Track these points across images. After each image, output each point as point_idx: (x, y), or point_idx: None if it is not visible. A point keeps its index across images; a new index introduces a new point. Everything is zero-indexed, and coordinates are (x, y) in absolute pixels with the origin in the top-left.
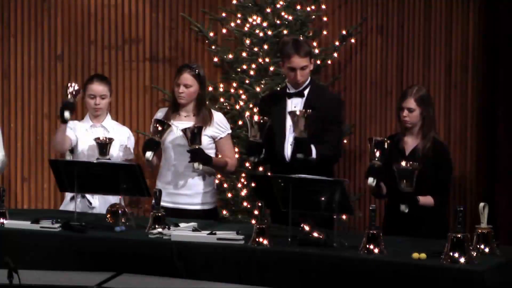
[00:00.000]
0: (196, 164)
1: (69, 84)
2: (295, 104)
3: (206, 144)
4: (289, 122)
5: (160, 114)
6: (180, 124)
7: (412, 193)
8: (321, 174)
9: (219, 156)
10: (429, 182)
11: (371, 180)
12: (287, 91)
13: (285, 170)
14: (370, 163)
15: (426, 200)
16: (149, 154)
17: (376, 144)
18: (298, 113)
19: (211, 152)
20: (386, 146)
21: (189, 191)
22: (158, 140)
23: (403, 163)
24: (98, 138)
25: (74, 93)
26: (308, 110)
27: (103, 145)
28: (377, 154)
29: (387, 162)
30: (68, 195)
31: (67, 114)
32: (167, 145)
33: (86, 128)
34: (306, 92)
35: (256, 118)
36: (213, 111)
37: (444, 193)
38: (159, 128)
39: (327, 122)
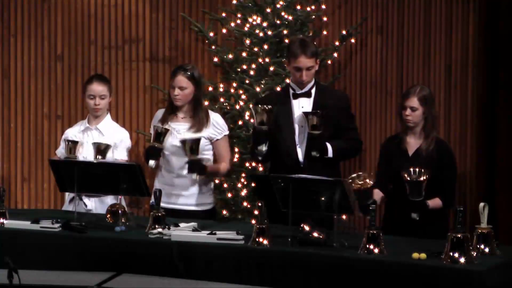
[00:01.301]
0: (194, 176)
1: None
2: (302, 105)
3: (203, 145)
4: (297, 123)
5: (158, 115)
6: (177, 125)
7: (421, 200)
8: (331, 174)
9: (216, 158)
10: (435, 183)
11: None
12: (292, 91)
13: (299, 172)
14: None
15: (435, 203)
16: (152, 163)
17: (310, 116)
18: (313, 112)
19: (208, 153)
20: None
21: (185, 192)
22: (160, 147)
23: (412, 172)
24: (96, 143)
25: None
26: (323, 111)
27: (100, 150)
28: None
29: (388, 163)
30: (68, 198)
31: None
32: (165, 146)
33: (80, 130)
34: (313, 91)
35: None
36: (210, 112)
37: (451, 192)
38: (160, 135)
39: (342, 120)
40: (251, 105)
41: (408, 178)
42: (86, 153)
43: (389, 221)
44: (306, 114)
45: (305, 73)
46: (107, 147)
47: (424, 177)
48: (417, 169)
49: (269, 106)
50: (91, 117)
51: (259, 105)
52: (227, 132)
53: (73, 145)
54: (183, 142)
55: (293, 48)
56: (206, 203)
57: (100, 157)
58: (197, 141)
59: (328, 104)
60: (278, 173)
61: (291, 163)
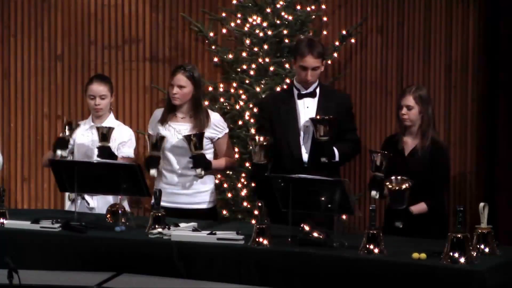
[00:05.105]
0: (198, 170)
1: (66, 121)
2: (307, 105)
3: (205, 145)
4: (302, 123)
5: (157, 114)
6: (177, 126)
7: (404, 208)
8: (332, 175)
9: (218, 156)
10: (426, 183)
11: (374, 193)
12: (297, 91)
13: (302, 172)
14: (373, 176)
15: (419, 208)
16: (153, 172)
17: (377, 157)
18: (321, 119)
19: (209, 153)
20: (386, 158)
21: (187, 191)
22: (158, 155)
23: (394, 181)
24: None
25: (69, 130)
26: (331, 116)
27: (104, 133)
28: (379, 165)
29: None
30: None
31: (58, 152)
32: (165, 146)
33: (86, 129)
34: (317, 92)
35: (258, 139)
36: (209, 111)
37: (438, 194)
38: (156, 143)
39: (343, 121)
40: (251, 139)
41: (390, 187)
42: (82, 150)
43: (389, 221)
44: (313, 121)
45: (311, 73)
46: (110, 129)
47: (406, 185)
48: (399, 177)
49: (267, 139)
50: (93, 117)
51: (259, 139)
52: (227, 130)
53: (69, 127)
54: (187, 137)
55: (300, 47)
56: (207, 201)
57: (105, 138)
58: (200, 136)
59: (332, 105)
60: (281, 173)
61: (295, 164)
